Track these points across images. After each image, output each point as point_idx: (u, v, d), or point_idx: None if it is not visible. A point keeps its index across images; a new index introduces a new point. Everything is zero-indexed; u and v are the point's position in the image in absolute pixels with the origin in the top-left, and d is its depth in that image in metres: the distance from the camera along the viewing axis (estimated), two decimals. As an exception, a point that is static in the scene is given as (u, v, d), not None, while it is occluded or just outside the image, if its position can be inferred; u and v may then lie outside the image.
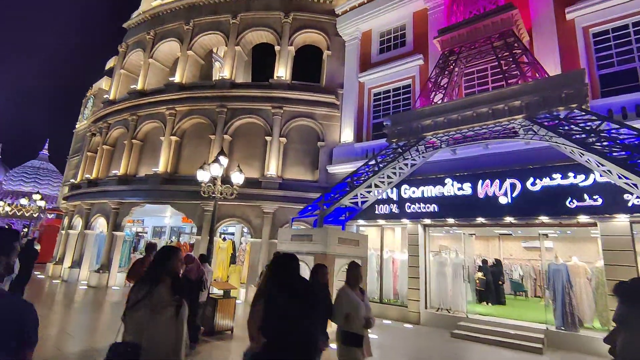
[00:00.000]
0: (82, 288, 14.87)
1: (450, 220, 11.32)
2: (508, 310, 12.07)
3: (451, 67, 11.44)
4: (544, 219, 9.70)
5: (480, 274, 13.34)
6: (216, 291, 9.72)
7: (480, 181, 10.81)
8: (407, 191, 12.22)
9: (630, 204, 8.42)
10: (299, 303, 2.56)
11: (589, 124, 7.53)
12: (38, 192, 29.04)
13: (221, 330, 8.29)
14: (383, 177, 10.40)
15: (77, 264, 17.23)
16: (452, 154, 11.58)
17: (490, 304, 12.87)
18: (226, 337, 8.21)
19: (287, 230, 9.86)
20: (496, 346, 8.78)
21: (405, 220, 12.14)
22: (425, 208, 11.74)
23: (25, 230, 30.11)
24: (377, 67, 15.14)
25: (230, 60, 17.20)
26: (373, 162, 10.56)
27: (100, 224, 17.67)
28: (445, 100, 10.71)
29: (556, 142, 7.97)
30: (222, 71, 17.40)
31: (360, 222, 13.14)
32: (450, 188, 11.36)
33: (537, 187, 9.81)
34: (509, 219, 10.24)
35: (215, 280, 13.28)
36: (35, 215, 34.23)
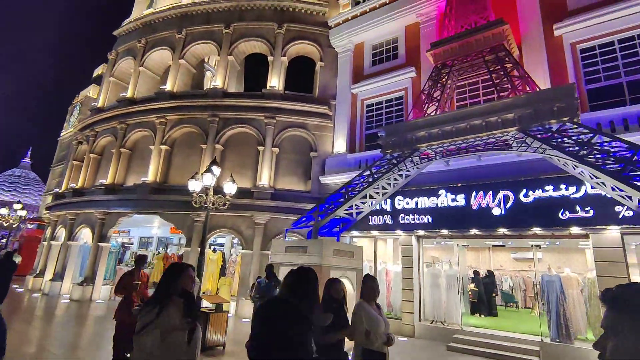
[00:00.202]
0: (64, 302, 14.26)
1: (444, 232, 11.32)
2: (501, 322, 12.04)
3: (444, 79, 11.59)
4: (537, 230, 9.77)
5: (472, 286, 13.33)
6: (207, 305, 9.42)
7: (474, 192, 10.87)
8: (401, 202, 12.20)
9: (621, 216, 8.55)
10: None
11: (580, 136, 7.67)
12: (19, 202, 28.06)
13: (213, 345, 7.99)
14: (378, 188, 10.36)
15: (59, 276, 16.57)
16: (446, 166, 11.65)
17: (482, 316, 12.84)
18: (217, 353, 7.91)
19: (281, 241, 9.67)
20: (493, 359, 8.70)
21: (399, 232, 12.08)
22: (419, 219, 11.72)
23: (4, 241, 28.98)
24: (370, 79, 15.26)
25: (222, 69, 17.12)
26: (368, 172, 10.52)
27: (85, 235, 17.12)
28: (438, 112, 10.81)
29: (549, 155, 8.08)
30: (215, 80, 17.29)
31: (354, 233, 13.03)
32: (444, 199, 11.39)
33: (530, 199, 9.91)
34: (502, 230, 10.28)
35: (204, 293, 12.91)
36: (15, 226, 33.00)
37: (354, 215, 10.54)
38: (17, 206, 26.51)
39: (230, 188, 10.35)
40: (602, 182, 7.14)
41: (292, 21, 17.30)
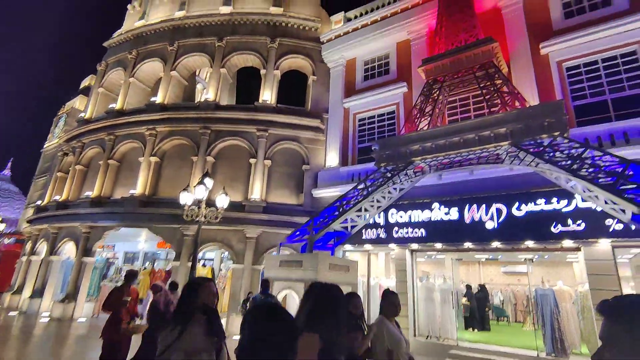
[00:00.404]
0: (44, 320, 13.58)
1: (438, 245, 11.31)
2: (494, 336, 11.98)
3: (435, 95, 11.80)
4: (530, 243, 9.85)
5: (464, 300, 13.28)
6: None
7: (467, 206, 10.94)
8: (395, 215, 12.18)
9: (611, 229, 8.70)
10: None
11: (572, 151, 7.83)
12: (-3, 215, 27.00)
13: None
14: (373, 201, 10.33)
15: (38, 293, 15.84)
16: (438, 179, 11.73)
17: (476, 330, 12.76)
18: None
19: (275, 255, 9.48)
20: (490, 375, 8.60)
21: (392, 245, 12.02)
22: (412, 233, 11.70)
23: (-20, 256, 27.69)
24: (362, 94, 15.44)
25: (215, 82, 17.08)
26: (362, 185, 10.49)
27: (68, 250, 16.48)
28: (430, 127, 10.94)
29: (542, 169, 8.22)
30: (207, 93, 17.21)
31: (347, 247, 12.91)
32: (438, 213, 11.42)
33: (522, 212, 10.02)
34: (496, 244, 10.33)
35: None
36: (-8, 240, 31.65)
37: (349, 228, 10.45)
38: (-5, 220, 25.51)
39: (222, 201, 10.16)
40: (595, 196, 7.26)
41: (285, 36, 17.49)
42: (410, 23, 14.84)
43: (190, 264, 12.62)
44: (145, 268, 18.48)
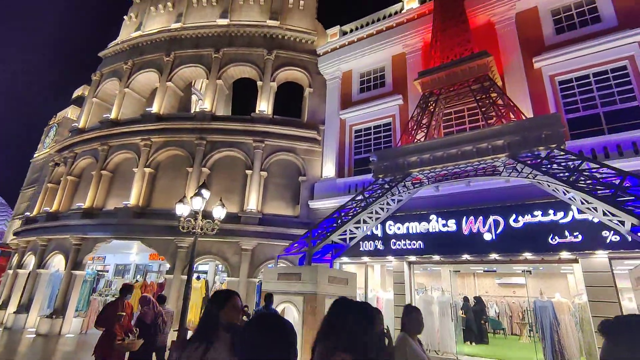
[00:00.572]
0: (30, 336, 13.09)
1: (436, 257, 11.25)
2: (493, 349, 11.87)
3: (431, 107, 11.93)
4: (528, 255, 9.85)
5: (461, 312, 13.17)
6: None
7: (465, 218, 10.94)
8: (392, 227, 12.13)
9: (608, 241, 8.75)
10: None
11: (569, 163, 7.92)
12: (-17, 227, 26.31)
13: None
14: (371, 213, 10.29)
15: (24, 308, 15.32)
16: (435, 191, 11.75)
17: (473, 344, 12.63)
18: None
19: (273, 268, 9.32)
20: (491, 390, 8.46)
21: (390, 257, 11.93)
22: (410, 245, 11.63)
23: (-37, 269, 26.82)
24: (358, 106, 15.54)
25: (211, 93, 17.06)
26: (360, 197, 10.45)
27: (57, 262, 16.04)
28: (427, 139, 11.01)
29: (539, 180, 8.28)
30: (202, 104, 17.17)
31: (344, 259, 12.77)
32: (435, 224, 11.40)
33: (520, 224, 10.04)
34: (494, 256, 10.31)
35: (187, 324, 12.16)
36: (-24, 253, 30.71)
37: (348, 240, 10.36)
38: (-19, 231, 24.83)
39: (219, 212, 10.01)
40: (593, 208, 7.32)
41: (282, 48, 17.63)
42: (406, 37, 15.09)
43: (184, 276, 12.36)
44: (137, 281, 18.05)
